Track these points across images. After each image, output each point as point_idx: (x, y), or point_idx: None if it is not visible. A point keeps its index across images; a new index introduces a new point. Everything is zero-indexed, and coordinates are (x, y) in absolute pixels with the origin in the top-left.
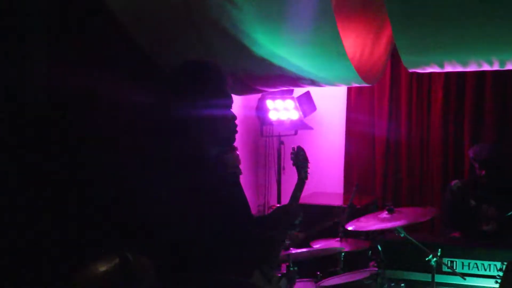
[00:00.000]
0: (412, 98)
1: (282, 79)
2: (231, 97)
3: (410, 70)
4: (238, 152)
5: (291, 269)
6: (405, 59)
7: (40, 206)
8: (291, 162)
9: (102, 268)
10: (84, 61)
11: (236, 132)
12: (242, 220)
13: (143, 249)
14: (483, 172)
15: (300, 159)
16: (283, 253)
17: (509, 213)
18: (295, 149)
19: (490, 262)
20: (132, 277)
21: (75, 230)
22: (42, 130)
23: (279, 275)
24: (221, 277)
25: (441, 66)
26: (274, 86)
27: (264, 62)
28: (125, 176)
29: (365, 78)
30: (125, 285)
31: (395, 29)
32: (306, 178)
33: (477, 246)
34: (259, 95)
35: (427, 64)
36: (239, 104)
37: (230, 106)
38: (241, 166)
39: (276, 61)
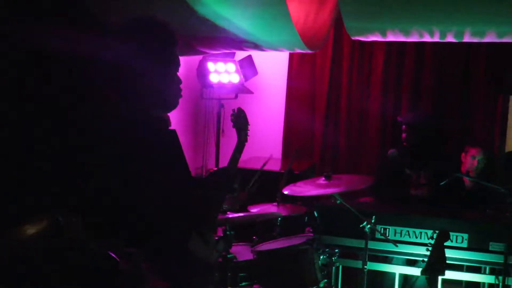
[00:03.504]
0: (353, 67)
1: (225, 41)
2: (179, 60)
3: (353, 38)
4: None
5: (228, 233)
6: (348, 25)
7: None
8: (231, 124)
9: (31, 230)
10: (27, 14)
11: (181, 96)
12: (182, 181)
13: (80, 213)
14: (404, 136)
15: (241, 121)
16: (220, 216)
17: (443, 183)
18: (236, 111)
19: (421, 230)
20: (63, 240)
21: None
22: None
23: (217, 238)
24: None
25: (384, 34)
26: (216, 48)
27: (207, 23)
28: (68, 135)
29: (308, 44)
30: (55, 249)
31: None
32: (245, 140)
33: (410, 214)
34: (200, 57)
35: (370, 31)
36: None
37: (177, 70)
38: (180, 128)
39: (220, 22)
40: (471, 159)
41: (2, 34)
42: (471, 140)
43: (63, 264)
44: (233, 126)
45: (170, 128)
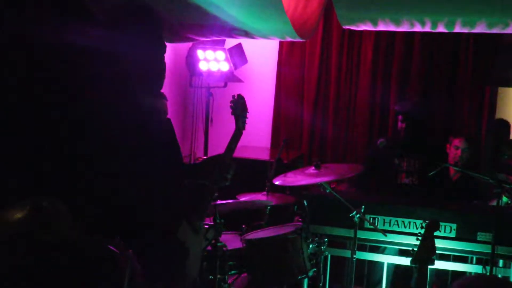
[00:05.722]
0: (342, 56)
1: (216, 29)
2: (165, 45)
3: (344, 27)
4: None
5: (218, 221)
6: (340, 14)
7: None
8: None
9: (16, 215)
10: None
11: (164, 78)
12: (175, 168)
13: (70, 201)
14: (404, 125)
15: (239, 108)
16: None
17: (431, 173)
18: (236, 97)
19: (410, 220)
20: (47, 225)
21: None
22: None
23: (207, 226)
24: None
25: (375, 24)
26: (206, 36)
27: (198, 10)
28: (60, 124)
29: (299, 32)
30: (39, 233)
31: None
32: (243, 128)
33: (399, 204)
34: (189, 45)
35: (361, 21)
36: (168, 52)
37: (164, 53)
38: (168, 116)
39: (211, 10)
40: (455, 149)
41: None
42: (455, 131)
43: (46, 248)
44: (232, 113)
45: (163, 116)
